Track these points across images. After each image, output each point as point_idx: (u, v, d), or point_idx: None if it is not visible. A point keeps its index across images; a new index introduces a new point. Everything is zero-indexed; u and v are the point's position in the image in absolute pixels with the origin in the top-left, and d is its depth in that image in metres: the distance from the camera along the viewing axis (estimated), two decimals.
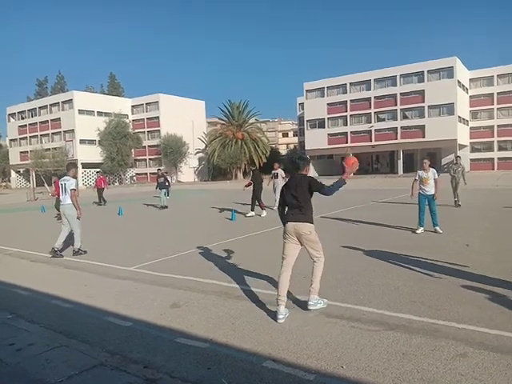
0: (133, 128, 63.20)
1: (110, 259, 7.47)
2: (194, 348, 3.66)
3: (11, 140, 70.11)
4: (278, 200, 14.15)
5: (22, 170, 65.95)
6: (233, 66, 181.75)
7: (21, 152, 66.47)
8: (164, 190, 17.87)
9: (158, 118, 62.50)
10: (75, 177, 8.16)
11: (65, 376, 3.21)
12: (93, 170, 60.07)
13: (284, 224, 4.56)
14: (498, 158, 50.83)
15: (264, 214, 13.27)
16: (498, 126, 51.15)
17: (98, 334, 4.09)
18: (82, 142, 59.46)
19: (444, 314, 4.21)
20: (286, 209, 4.60)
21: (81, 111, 59.75)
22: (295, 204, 4.48)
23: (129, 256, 7.76)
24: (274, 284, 5.44)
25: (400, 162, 49.09)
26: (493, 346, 3.46)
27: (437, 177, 9.15)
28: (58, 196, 10.84)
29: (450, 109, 46.13)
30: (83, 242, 8.27)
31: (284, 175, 14.71)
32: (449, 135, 44.92)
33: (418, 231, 9.05)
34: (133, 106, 65.84)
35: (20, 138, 68.24)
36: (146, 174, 63.70)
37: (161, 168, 21.95)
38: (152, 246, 8.75)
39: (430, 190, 9.11)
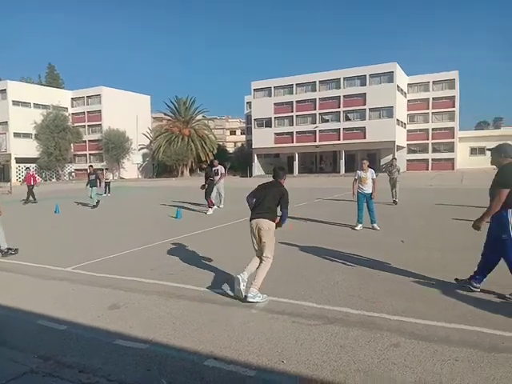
0: (72, 121, 60.16)
1: (44, 260, 7.07)
2: (133, 349, 3.56)
3: None
4: (224, 197, 13.88)
5: None
6: (180, 61, 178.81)
7: None
8: (95, 188, 16.93)
9: (99, 111, 59.94)
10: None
11: None
12: (28, 165, 56.62)
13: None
14: (432, 159, 54.22)
15: (210, 211, 13.19)
16: (432, 129, 54.54)
17: (29, 339, 3.86)
18: (17, 135, 55.64)
19: (379, 306, 4.42)
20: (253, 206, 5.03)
21: (15, 102, 55.89)
22: (263, 204, 4.93)
23: (65, 256, 7.39)
24: (217, 282, 5.45)
25: (342, 162, 50.81)
26: (422, 336, 3.68)
27: (375, 177, 9.63)
28: None
29: (389, 112, 48.41)
30: (15, 241, 7.78)
31: (224, 171, 14.54)
32: (388, 137, 47.15)
33: (356, 228, 9.45)
34: (73, 99, 62.69)
35: None
36: (86, 169, 61.00)
37: (92, 164, 20.78)
38: (91, 246, 8.40)
39: (367, 189, 9.56)
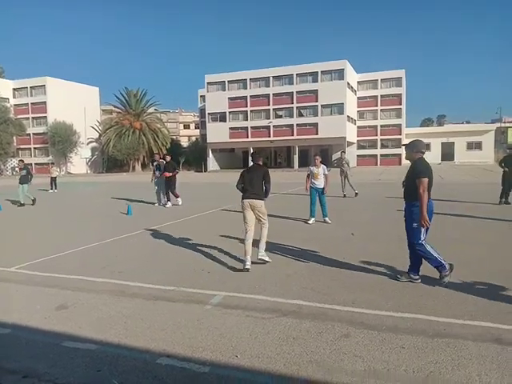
0: (15, 113, 56.77)
1: None
2: (82, 351, 3.44)
3: None
4: (164, 194, 13.34)
5: None
6: (130, 50, 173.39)
7: None
8: (25, 185, 15.43)
9: (44, 103, 56.94)
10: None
11: None
12: None
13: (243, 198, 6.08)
14: (381, 155, 56.37)
15: (180, 202, 13.90)
16: (380, 125, 56.62)
17: None
18: None
19: (330, 298, 4.55)
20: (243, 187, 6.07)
21: None
22: (252, 185, 6.02)
23: (8, 256, 6.98)
24: (168, 279, 5.37)
25: (296, 157, 51.61)
26: (371, 325, 3.82)
27: (327, 172, 9.87)
28: None
29: (340, 108, 49.68)
30: None
31: (165, 167, 13.72)
32: (339, 133, 48.41)
33: (309, 222, 9.66)
34: (15, 89, 59.10)
35: None
36: (31, 164, 57.87)
37: (23, 159, 19.23)
38: (36, 244, 8.00)
39: (320, 184, 9.80)
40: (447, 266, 4.86)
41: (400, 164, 53.61)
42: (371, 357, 3.23)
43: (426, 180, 4.73)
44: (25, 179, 15.59)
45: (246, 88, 53.91)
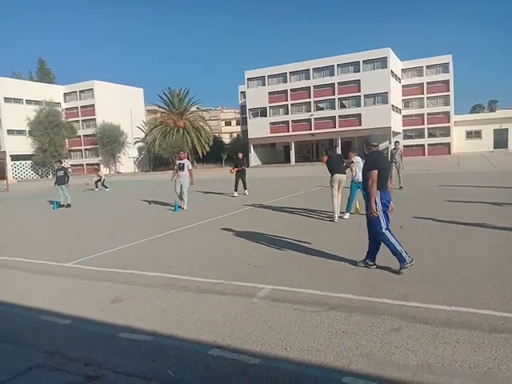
0: (66, 117, 59.69)
1: (44, 256, 7.06)
2: (137, 342, 3.59)
3: None
4: (187, 197, 13.05)
5: None
6: (172, 53, 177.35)
7: None
8: (63, 186, 15.29)
9: (93, 105, 59.43)
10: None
11: None
12: (23, 162, 56.31)
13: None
14: (428, 144, 54.20)
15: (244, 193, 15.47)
16: (427, 114, 54.41)
17: (33, 335, 3.88)
18: (10, 132, 55.25)
19: (380, 292, 4.46)
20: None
21: (7, 99, 55.34)
22: (340, 166, 9.22)
23: (65, 252, 7.39)
24: (216, 273, 5.47)
25: (338, 150, 50.78)
26: (423, 319, 3.72)
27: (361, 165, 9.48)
28: None
29: (384, 98, 48.26)
30: (14, 239, 7.75)
31: (191, 167, 13.08)
32: (383, 123, 47.07)
33: (345, 217, 9.35)
34: (65, 94, 62.11)
35: None
36: (82, 165, 60.75)
37: (61, 160, 19.41)
38: (90, 241, 8.40)
39: (359, 178, 9.27)
40: (408, 260, 5.02)
41: (449, 153, 51.44)
42: (424, 351, 3.15)
43: (374, 172, 5.04)
44: (62, 180, 15.44)
45: (286, 82, 53.59)
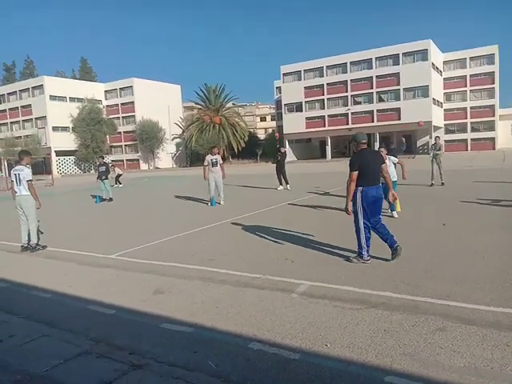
0: (107, 114, 61.72)
1: (89, 248, 7.35)
2: (179, 333, 3.67)
3: None
4: (223, 192, 12.92)
5: None
6: (208, 50, 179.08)
7: None
8: (106, 181, 15.97)
9: (132, 102, 61.16)
10: (28, 166, 7.61)
11: (49, 366, 3.18)
12: (67, 157, 58.69)
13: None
14: (471, 139, 52.10)
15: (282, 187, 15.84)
16: (470, 107, 52.27)
17: (80, 323, 4.05)
18: (55, 129, 57.80)
19: (422, 290, 4.34)
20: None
21: (52, 97, 57.90)
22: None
23: (108, 244, 7.66)
24: (254, 267, 5.50)
25: (376, 145, 49.67)
26: (469, 320, 3.59)
27: (396, 162, 9.36)
28: None
29: (424, 91, 46.76)
30: (60, 231, 8.09)
31: (221, 161, 12.88)
32: (424, 117, 45.63)
33: (395, 215, 9.05)
34: (106, 91, 64.20)
35: None
36: (123, 160, 62.62)
37: (103, 156, 20.24)
38: (131, 234, 8.65)
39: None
40: (365, 258, 5.46)
41: (494, 148, 49.25)
42: (471, 353, 3.04)
43: (354, 173, 5.32)
44: (104, 175, 16.06)
45: (323, 76, 52.95)
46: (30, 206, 7.41)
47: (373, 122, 49.91)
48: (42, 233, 8.08)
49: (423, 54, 46.81)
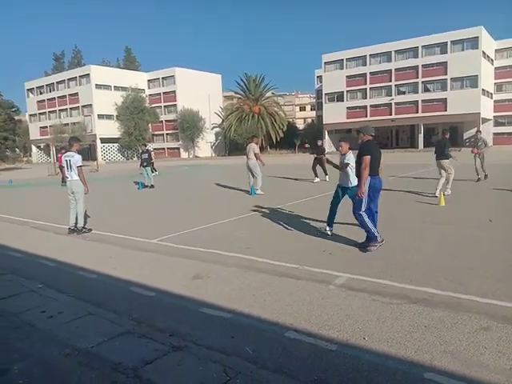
0: (149, 102, 63.13)
1: (132, 232, 7.61)
2: (217, 318, 3.75)
3: (31, 115, 70.94)
4: (259, 179, 12.62)
5: (42, 145, 67.01)
6: (248, 39, 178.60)
7: (40, 127, 67.33)
8: (148, 168, 16.44)
9: (174, 92, 62.16)
10: (79, 152, 7.91)
11: (95, 342, 3.34)
12: (111, 144, 60.68)
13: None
14: None
15: (325, 179, 15.63)
16: None
17: (123, 304, 4.22)
18: (100, 116, 59.82)
19: (466, 288, 4.20)
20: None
21: (98, 86, 59.85)
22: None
23: (151, 229, 7.90)
24: (292, 257, 5.51)
25: (421, 136, 48.09)
26: None
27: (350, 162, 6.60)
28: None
29: (473, 81, 44.61)
30: (105, 216, 8.40)
31: (257, 151, 12.76)
32: (472, 109, 43.61)
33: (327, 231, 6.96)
34: (149, 81, 65.58)
35: (39, 113, 68.99)
36: (164, 148, 64.01)
37: (146, 143, 20.78)
38: (173, 220, 8.87)
39: (345, 179, 6.75)
40: (379, 239, 5.65)
41: None
42: None
43: (367, 158, 5.48)
44: (146, 162, 16.49)
45: (366, 65, 51.59)
46: (80, 190, 7.76)
47: (417, 112, 48.23)
48: (88, 217, 8.44)
49: (473, 42, 44.57)
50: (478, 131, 14.94)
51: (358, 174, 5.69)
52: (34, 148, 69.98)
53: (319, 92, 60.57)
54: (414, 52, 48.35)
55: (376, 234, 5.67)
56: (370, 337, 3.27)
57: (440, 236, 6.45)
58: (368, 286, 4.39)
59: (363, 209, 5.67)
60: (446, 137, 11.06)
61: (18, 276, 5.25)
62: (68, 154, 7.86)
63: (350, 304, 3.93)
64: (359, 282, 4.52)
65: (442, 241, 6.15)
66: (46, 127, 63.35)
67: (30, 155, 71.73)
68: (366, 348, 3.11)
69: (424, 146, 45.66)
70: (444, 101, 46.48)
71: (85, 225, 7.92)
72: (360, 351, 3.06)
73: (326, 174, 15.90)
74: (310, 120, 76.55)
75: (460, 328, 3.36)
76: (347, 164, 6.48)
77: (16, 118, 52.82)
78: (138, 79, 63.18)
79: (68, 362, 3.07)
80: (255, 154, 12.60)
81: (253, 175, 12.71)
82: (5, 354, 3.24)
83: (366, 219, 5.68)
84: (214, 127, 63.91)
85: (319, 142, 17.14)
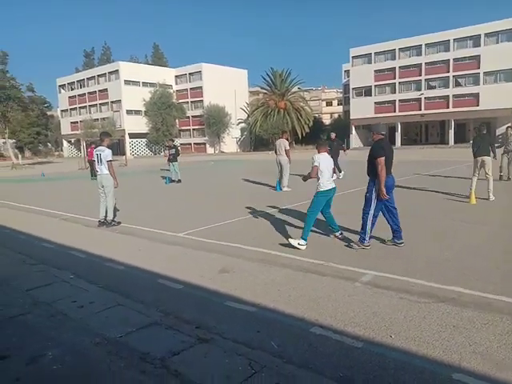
0: (177, 98, 63.80)
1: (160, 226, 7.74)
2: (242, 311, 3.79)
3: (62, 111, 72.99)
4: (286, 176, 12.33)
5: (72, 140, 68.87)
6: (275, 34, 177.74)
7: (71, 122, 69.22)
8: (175, 163, 16.60)
9: (201, 87, 62.58)
10: (109, 146, 8.07)
11: (124, 332, 3.43)
12: (139, 139, 61.75)
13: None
14: None
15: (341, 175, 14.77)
16: None
17: (151, 295, 4.31)
18: (129, 112, 60.90)
19: (496, 287, 4.08)
20: None
21: (127, 82, 60.89)
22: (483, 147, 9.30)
23: (177, 223, 8.02)
24: (318, 253, 5.48)
25: (451, 132, 46.84)
26: None
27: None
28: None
29: (508, 75, 43.04)
30: (133, 210, 8.56)
31: (288, 147, 12.70)
32: (506, 104, 42.07)
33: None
34: (176, 76, 66.24)
35: (70, 109, 70.87)
36: (190, 144, 64.66)
37: (173, 139, 20.71)
38: (198, 214, 8.98)
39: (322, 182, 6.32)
40: (365, 243, 5.67)
41: None
42: None
43: (382, 159, 5.43)
44: (174, 157, 16.66)
45: (395, 59, 50.55)
46: (110, 184, 7.94)
47: (448, 107, 46.97)
48: (118, 210, 8.64)
49: (509, 34, 42.91)
50: (509, 127, 14.09)
51: (372, 173, 5.62)
52: (65, 142, 72.00)
53: (346, 87, 59.80)
54: (445, 45, 47.04)
55: (367, 238, 5.68)
56: (396, 335, 3.23)
57: (469, 235, 6.29)
58: (395, 283, 4.33)
59: (371, 208, 5.63)
60: (484, 132, 10.15)
61: (49, 266, 5.44)
62: (99, 148, 8.06)
63: (376, 301, 3.89)
64: (386, 279, 4.46)
65: (471, 239, 6.00)
66: (77, 122, 65.09)
67: (61, 149, 73.85)
68: (393, 346, 3.07)
69: (455, 142, 44.43)
70: (476, 95, 45.07)
71: (114, 218, 8.10)
72: (386, 349, 3.03)
73: (340, 171, 14.98)
74: (336, 115, 75.70)
75: (490, 329, 3.28)
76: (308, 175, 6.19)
77: (48, 113, 54.49)
78: (165, 75, 63.90)
79: (98, 351, 3.17)
80: (286, 150, 12.51)
81: (281, 171, 12.65)
82: (40, 340, 3.37)
83: (369, 221, 5.67)
84: (239, 122, 64.06)
85: (332, 135, 15.61)
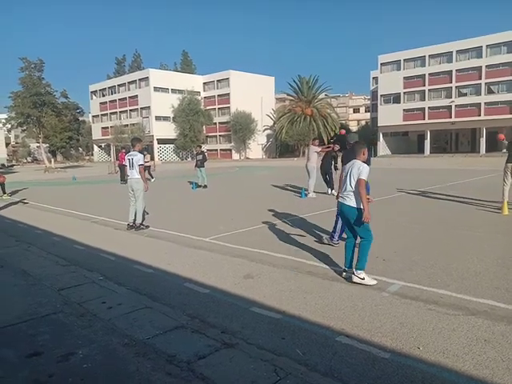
0: (204, 105, 64.60)
1: (186, 230, 7.85)
2: (268, 318, 3.79)
3: (93, 116, 75.08)
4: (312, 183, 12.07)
5: (103, 145, 70.66)
6: (303, 40, 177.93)
7: (102, 127, 71.06)
8: (202, 168, 16.74)
9: (228, 94, 63.16)
10: (141, 151, 8.23)
11: (151, 334, 3.50)
12: (167, 145, 62.81)
13: None
14: None
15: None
16: None
17: (178, 299, 4.37)
18: (158, 118, 62.06)
19: None
20: None
21: (156, 88, 62.13)
22: None
23: (204, 227, 8.11)
24: (342, 261, 5.42)
25: (482, 141, 45.55)
26: None
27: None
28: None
29: None
30: (162, 214, 8.71)
31: (319, 150, 12.63)
32: None
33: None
34: (204, 83, 67.12)
35: (101, 115, 72.81)
36: (217, 150, 65.25)
37: (200, 145, 20.78)
38: (224, 220, 9.04)
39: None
40: (334, 241, 6.32)
41: None
42: None
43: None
44: (201, 163, 16.82)
45: (424, 65, 49.69)
46: (140, 188, 8.12)
47: (479, 115, 45.72)
48: (147, 214, 8.81)
49: None
50: None
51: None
52: (95, 147, 73.95)
53: (374, 93, 59.11)
54: (477, 52, 45.91)
55: (336, 237, 6.31)
56: (424, 347, 3.17)
57: (502, 246, 6.10)
58: (423, 294, 4.24)
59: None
60: None
61: (80, 267, 5.60)
62: (131, 153, 8.28)
63: (404, 312, 3.82)
64: (414, 290, 4.38)
65: (504, 251, 5.81)
66: (107, 128, 66.81)
67: (92, 154, 75.85)
68: (421, 358, 3.01)
69: (486, 151, 43.17)
70: (510, 103, 43.73)
71: (143, 221, 8.26)
72: (414, 361, 2.97)
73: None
74: (363, 122, 74.89)
75: None
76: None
77: (80, 118, 56.03)
78: (193, 82, 64.84)
79: (126, 352, 3.23)
80: (318, 152, 12.50)
81: (309, 177, 12.63)
82: (71, 339, 3.47)
83: (339, 220, 6.04)
84: (265, 129, 64.26)
85: (342, 131, 13.34)
